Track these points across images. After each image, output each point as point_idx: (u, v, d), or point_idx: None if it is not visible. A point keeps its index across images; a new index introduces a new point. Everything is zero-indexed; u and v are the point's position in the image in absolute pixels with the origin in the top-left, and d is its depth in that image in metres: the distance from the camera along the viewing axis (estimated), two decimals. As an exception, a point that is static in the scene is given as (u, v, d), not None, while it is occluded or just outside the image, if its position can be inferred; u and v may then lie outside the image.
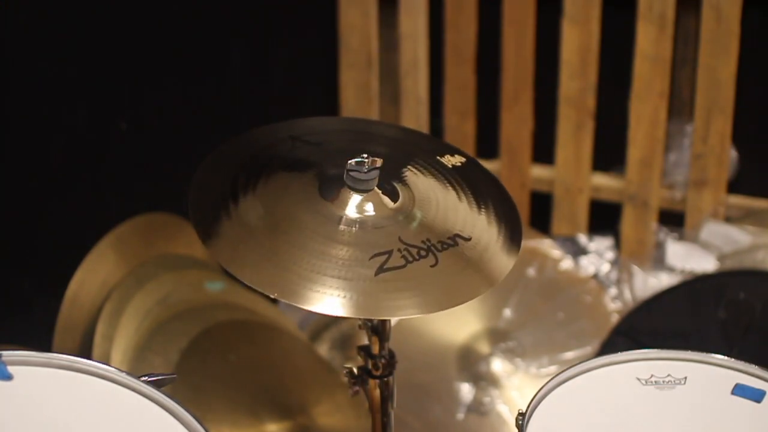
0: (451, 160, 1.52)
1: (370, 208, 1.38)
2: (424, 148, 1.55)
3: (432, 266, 1.34)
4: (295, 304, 1.27)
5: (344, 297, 1.27)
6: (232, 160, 1.46)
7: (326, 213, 1.36)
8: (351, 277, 1.29)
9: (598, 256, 2.57)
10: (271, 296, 1.28)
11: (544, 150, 2.62)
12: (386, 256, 1.32)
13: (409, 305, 1.30)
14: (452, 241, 1.37)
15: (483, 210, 1.44)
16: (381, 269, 1.30)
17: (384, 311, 1.31)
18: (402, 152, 1.51)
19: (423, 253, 1.34)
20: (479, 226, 1.42)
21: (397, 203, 1.40)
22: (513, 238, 1.43)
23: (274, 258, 1.30)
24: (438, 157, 1.52)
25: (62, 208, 2.20)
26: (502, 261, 1.40)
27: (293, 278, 1.28)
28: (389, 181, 1.41)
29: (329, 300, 1.27)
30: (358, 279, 1.29)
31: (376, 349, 1.48)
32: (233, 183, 1.40)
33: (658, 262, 2.51)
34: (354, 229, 1.35)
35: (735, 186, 2.52)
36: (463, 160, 1.53)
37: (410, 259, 1.33)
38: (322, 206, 1.37)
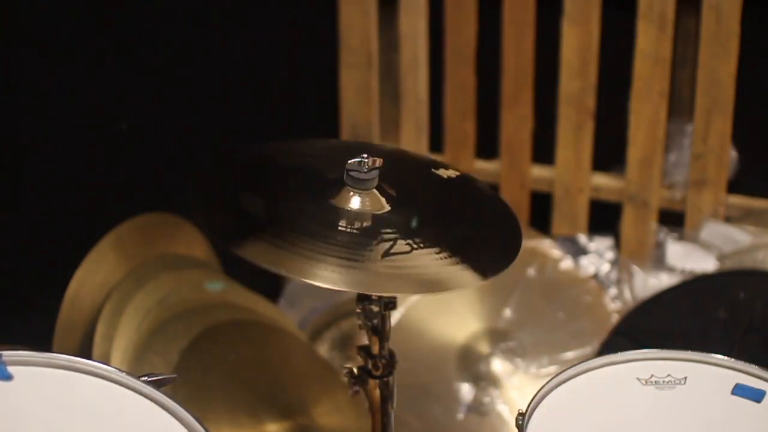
0: (447, 173, 1.53)
1: (369, 206, 1.39)
2: (422, 165, 1.56)
3: (437, 253, 1.35)
4: (301, 278, 1.28)
5: (348, 273, 1.28)
6: (232, 161, 1.47)
7: (328, 207, 1.38)
8: (357, 257, 1.30)
9: (598, 256, 2.57)
10: (278, 272, 1.29)
11: (544, 150, 2.62)
12: (391, 242, 1.33)
13: (414, 285, 1.31)
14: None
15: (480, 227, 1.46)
16: (387, 253, 1.32)
17: (389, 288, 1.32)
18: (402, 167, 1.52)
19: (428, 243, 1.35)
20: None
21: (395, 207, 1.41)
22: (512, 246, 1.44)
23: (277, 241, 1.31)
24: (433, 170, 1.53)
25: (62, 208, 2.20)
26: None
27: (297, 257, 1.29)
28: (388, 190, 1.43)
29: (335, 276, 1.28)
30: (364, 260, 1.30)
31: (376, 349, 1.49)
32: (234, 181, 1.41)
33: (658, 262, 2.50)
34: (355, 221, 1.36)
35: (735, 186, 2.52)
36: (458, 173, 1.54)
37: (415, 246, 1.34)
38: (324, 203, 1.39)
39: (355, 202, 1.38)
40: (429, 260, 1.34)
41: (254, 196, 1.39)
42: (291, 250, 1.30)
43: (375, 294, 1.43)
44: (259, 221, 1.36)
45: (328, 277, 1.28)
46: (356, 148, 1.40)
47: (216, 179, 1.43)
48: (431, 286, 1.35)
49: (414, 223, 1.39)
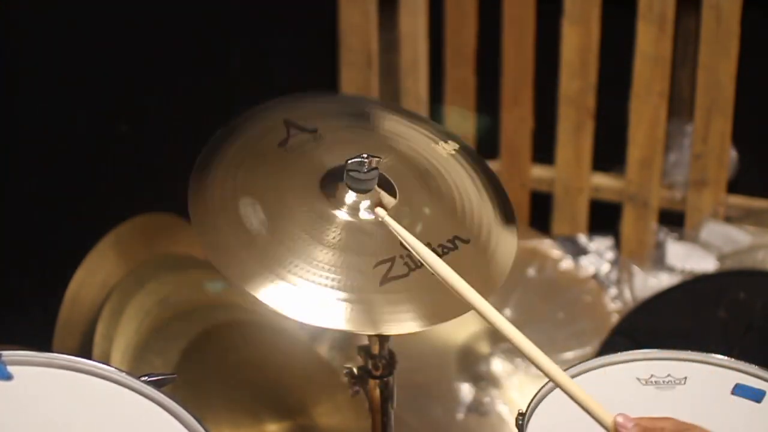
0: (446, 148, 1.51)
1: (370, 209, 1.38)
2: (421, 135, 1.53)
3: (433, 274, 1.33)
4: (305, 322, 1.27)
5: (351, 310, 1.27)
6: (229, 157, 1.45)
7: (328, 216, 1.36)
8: (357, 289, 1.29)
9: (598, 256, 2.57)
10: (281, 313, 1.28)
11: (544, 150, 2.62)
12: (389, 264, 1.32)
13: (412, 318, 1.30)
14: (452, 245, 1.37)
15: (481, 198, 1.44)
16: (386, 279, 1.30)
17: (389, 326, 1.31)
18: (400, 145, 1.49)
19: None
20: (476, 221, 1.42)
21: (398, 201, 1.39)
22: (507, 220, 1.43)
23: (278, 270, 1.30)
24: (434, 146, 1.51)
25: (62, 208, 2.20)
26: (502, 261, 1.40)
27: (300, 293, 1.28)
28: (387, 179, 1.41)
29: (337, 316, 1.27)
30: (363, 291, 1.29)
31: (376, 349, 1.48)
32: (233, 185, 1.39)
33: (658, 262, 2.51)
34: (355, 232, 1.35)
35: (735, 186, 2.52)
36: (457, 146, 1.52)
37: (412, 266, 1.33)
38: (324, 208, 1.37)
39: (356, 206, 1.37)
40: (428, 282, 1.32)
41: (253, 204, 1.37)
42: (288, 281, 1.29)
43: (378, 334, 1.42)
44: (256, 241, 1.33)
45: (331, 319, 1.27)
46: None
47: (215, 180, 1.42)
48: (434, 317, 1.33)
49: (418, 228, 1.38)
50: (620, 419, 1.12)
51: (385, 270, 1.31)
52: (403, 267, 1.32)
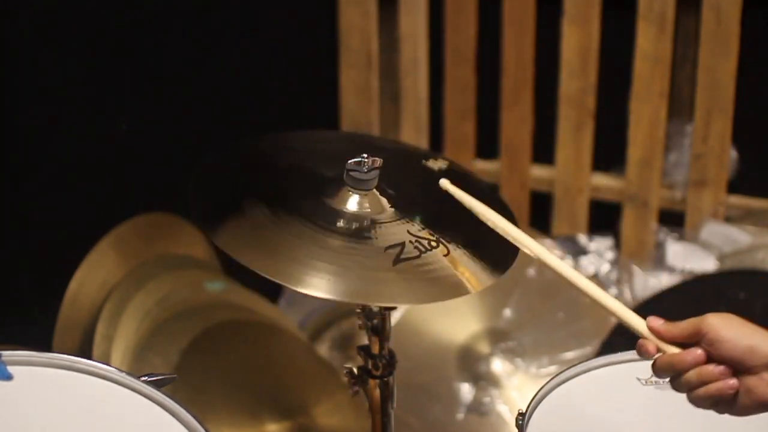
0: (436, 164, 1.52)
1: (371, 208, 1.38)
2: (415, 159, 1.55)
3: (445, 255, 1.34)
4: (325, 297, 1.27)
5: (367, 285, 1.28)
6: (230, 165, 1.46)
7: (330, 212, 1.37)
8: (369, 267, 1.30)
9: (598, 256, 2.57)
10: (299, 290, 1.27)
11: (544, 150, 2.62)
12: (400, 247, 1.32)
13: (428, 294, 1.31)
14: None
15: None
16: (398, 260, 1.31)
17: (404, 297, 1.31)
18: (396, 163, 1.51)
19: (434, 244, 1.35)
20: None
21: (395, 207, 1.40)
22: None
23: (288, 251, 1.30)
24: (423, 161, 1.52)
25: (63, 208, 2.20)
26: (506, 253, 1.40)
27: (312, 272, 1.28)
28: (387, 188, 1.42)
29: (349, 290, 1.28)
30: (377, 269, 1.30)
31: (376, 349, 1.48)
32: (233, 187, 1.40)
33: (658, 262, 2.50)
34: (358, 224, 1.35)
35: (735, 186, 2.52)
36: (447, 163, 1.53)
37: (423, 249, 1.33)
38: (325, 207, 1.37)
39: (354, 204, 1.38)
40: (440, 264, 1.33)
41: (258, 200, 1.37)
42: (304, 264, 1.29)
43: (399, 305, 1.42)
44: (263, 233, 1.34)
45: (349, 292, 1.28)
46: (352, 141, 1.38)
47: (216, 179, 1.43)
48: (450, 291, 1.34)
49: (417, 223, 1.38)
50: (651, 319, 1.25)
51: (396, 253, 1.32)
52: (413, 250, 1.33)
